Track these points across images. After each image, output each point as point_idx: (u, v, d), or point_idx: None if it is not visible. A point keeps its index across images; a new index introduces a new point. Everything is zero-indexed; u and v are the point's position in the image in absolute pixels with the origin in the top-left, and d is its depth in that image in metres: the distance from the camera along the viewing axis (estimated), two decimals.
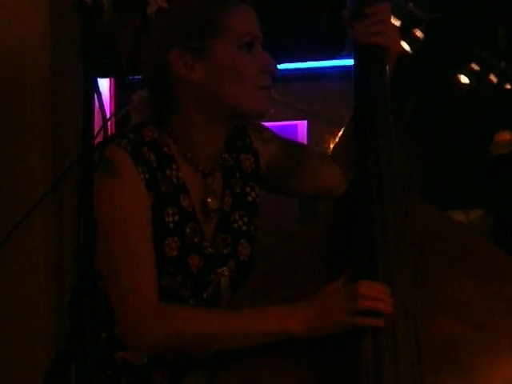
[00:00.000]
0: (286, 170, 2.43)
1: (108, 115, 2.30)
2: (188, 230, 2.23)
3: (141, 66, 2.28)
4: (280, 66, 3.21)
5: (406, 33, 5.36)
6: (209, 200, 2.28)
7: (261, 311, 2.08)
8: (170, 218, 2.21)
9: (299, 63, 3.70)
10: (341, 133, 2.51)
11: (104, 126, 2.14)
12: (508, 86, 6.62)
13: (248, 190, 2.35)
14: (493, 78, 6.56)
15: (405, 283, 2.02)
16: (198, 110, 2.24)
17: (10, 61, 3.60)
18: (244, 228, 2.32)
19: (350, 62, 3.33)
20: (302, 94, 4.87)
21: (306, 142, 4.96)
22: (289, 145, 2.46)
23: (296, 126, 5.03)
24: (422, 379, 1.94)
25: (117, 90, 4.12)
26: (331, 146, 4.45)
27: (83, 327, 1.68)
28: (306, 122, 5.43)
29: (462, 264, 2.12)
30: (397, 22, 5.33)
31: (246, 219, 2.33)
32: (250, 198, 2.35)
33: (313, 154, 2.48)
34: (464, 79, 6.45)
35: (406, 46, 5.38)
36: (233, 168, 2.34)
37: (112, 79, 4.11)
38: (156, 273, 2.16)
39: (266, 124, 3.81)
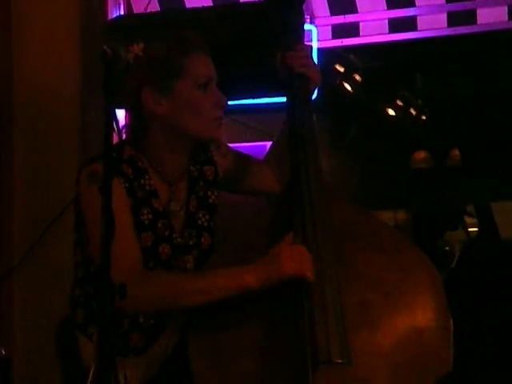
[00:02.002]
0: (237, 176, 2.40)
1: (123, 138, 2.29)
2: (160, 225, 2.19)
3: (123, 100, 2.24)
4: (256, 100, 3.23)
5: (348, 77, 5.35)
6: (171, 203, 2.24)
7: (224, 271, 2.05)
8: (145, 217, 2.17)
9: (266, 98, 3.70)
10: (272, 143, 2.50)
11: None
12: (423, 117, 6.65)
13: (209, 193, 2.31)
14: (412, 111, 6.59)
15: (330, 257, 2.02)
16: (164, 136, 2.20)
17: (48, 96, 3.56)
18: (206, 224, 2.28)
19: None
20: (270, 121, 4.86)
21: None
22: (239, 156, 2.43)
23: (265, 146, 5.04)
24: (345, 334, 1.94)
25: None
26: None
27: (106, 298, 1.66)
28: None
29: (372, 244, 2.12)
30: (341, 69, 5.32)
31: (207, 217, 2.29)
32: (210, 200, 2.30)
33: (256, 162, 2.45)
34: (391, 112, 6.47)
35: (348, 86, 5.36)
36: (197, 178, 2.30)
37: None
38: (139, 251, 2.12)
39: (245, 145, 3.78)
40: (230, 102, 3.47)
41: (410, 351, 1.98)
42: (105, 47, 1.88)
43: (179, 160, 2.25)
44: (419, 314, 2.02)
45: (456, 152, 7.01)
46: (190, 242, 2.23)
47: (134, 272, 2.03)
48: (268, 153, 2.49)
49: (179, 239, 2.20)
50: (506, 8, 3.44)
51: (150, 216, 2.17)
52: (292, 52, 2.27)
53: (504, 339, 4.48)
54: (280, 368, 1.96)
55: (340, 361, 1.91)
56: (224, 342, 2.02)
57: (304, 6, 2.47)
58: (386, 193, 6.37)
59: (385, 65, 5.66)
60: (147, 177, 2.19)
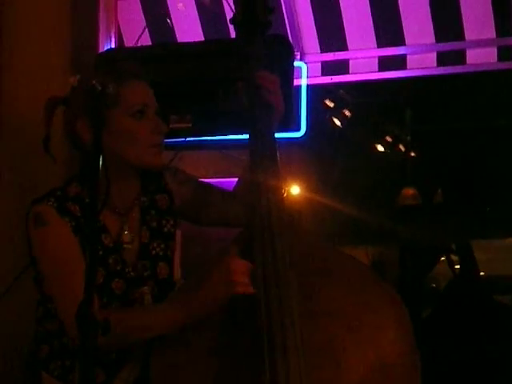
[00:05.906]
0: (196, 205, 2.36)
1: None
2: (111, 261, 2.18)
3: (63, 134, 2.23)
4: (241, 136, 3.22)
5: (337, 112, 5.39)
6: (125, 233, 2.23)
7: (172, 304, 2.06)
8: None
9: None
10: (240, 177, 2.41)
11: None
12: (412, 154, 6.69)
13: (164, 222, 2.29)
14: (401, 147, 6.63)
15: (291, 299, 1.99)
16: (107, 167, 2.11)
17: (38, 128, 3.53)
18: (161, 253, 2.26)
19: (293, 134, 3.34)
20: None
21: None
22: (200, 186, 2.39)
23: None
24: (306, 374, 1.91)
25: None
26: None
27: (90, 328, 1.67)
28: None
29: (338, 279, 2.09)
30: (331, 104, 5.35)
31: (162, 246, 2.26)
32: (165, 229, 2.29)
33: (219, 193, 2.39)
34: (380, 148, 6.51)
35: (337, 122, 5.39)
36: (148, 207, 2.28)
37: None
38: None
39: (229, 180, 3.77)
40: (221, 137, 3.49)
41: None
42: (94, 81, 1.89)
43: (127, 190, 2.23)
44: (385, 350, 1.99)
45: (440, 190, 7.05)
46: (145, 274, 2.21)
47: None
48: (235, 186, 2.43)
49: (132, 273, 2.19)
50: (496, 49, 3.49)
51: (100, 252, 2.16)
52: (262, 73, 2.22)
53: (484, 376, 4.48)
54: None
55: None
56: (185, 374, 2.01)
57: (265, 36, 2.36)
58: (372, 229, 6.39)
59: (374, 101, 5.71)
60: None
